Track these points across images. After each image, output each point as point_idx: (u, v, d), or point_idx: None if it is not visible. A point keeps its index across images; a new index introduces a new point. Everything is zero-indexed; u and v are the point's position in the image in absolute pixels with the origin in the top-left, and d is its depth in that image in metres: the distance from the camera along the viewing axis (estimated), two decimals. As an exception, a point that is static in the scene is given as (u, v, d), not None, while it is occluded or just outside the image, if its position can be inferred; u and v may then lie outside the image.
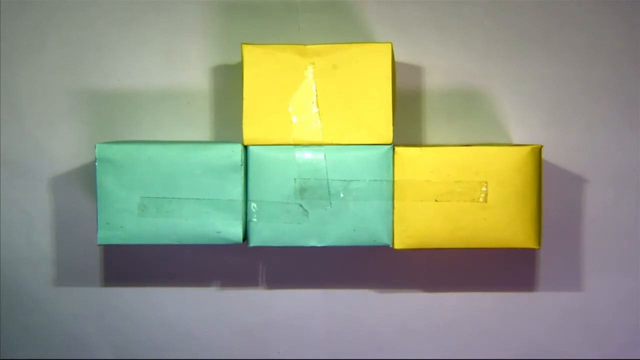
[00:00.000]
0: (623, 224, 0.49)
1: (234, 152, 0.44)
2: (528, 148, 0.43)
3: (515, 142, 0.51)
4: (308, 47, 0.45)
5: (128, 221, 0.44)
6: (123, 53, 0.51)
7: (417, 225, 0.44)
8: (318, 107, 0.45)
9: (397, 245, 0.44)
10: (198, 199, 0.44)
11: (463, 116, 0.51)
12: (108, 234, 0.44)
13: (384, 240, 0.44)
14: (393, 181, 0.44)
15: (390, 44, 0.45)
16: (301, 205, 0.44)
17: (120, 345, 0.51)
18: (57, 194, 0.50)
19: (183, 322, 0.52)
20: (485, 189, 0.43)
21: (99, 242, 0.45)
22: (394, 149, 0.44)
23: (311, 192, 0.44)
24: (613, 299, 0.47)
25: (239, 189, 0.44)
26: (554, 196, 0.50)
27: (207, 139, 0.51)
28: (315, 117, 0.45)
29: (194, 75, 0.51)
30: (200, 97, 0.51)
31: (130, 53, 0.51)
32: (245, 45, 0.45)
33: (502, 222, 0.44)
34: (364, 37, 0.51)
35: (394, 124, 0.45)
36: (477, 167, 0.44)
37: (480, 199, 0.43)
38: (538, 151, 0.44)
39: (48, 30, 0.51)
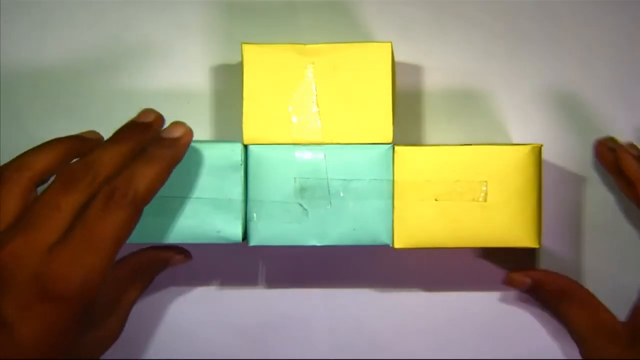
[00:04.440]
0: (623, 224, 0.49)
1: (234, 151, 0.44)
2: (528, 147, 0.43)
3: (515, 141, 0.51)
4: (307, 46, 0.45)
5: None
6: (123, 53, 0.51)
7: (417, 225, 0.44)
8: (318, 107, 0.45)
9: (397, 244, 0.44)
10: (198, 198, 0.44)
11: (463, 116, 0.51)
12: None
13: (384, 239, 0.44)
14: (393, 180, 0.44)
15: (390, 44, 0.45)
16: (301, 205, 0.44)
17: (119, 345, 0.51)
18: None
19: (183, 322, 0.52)
20: (485, 189, 0.43)
21: None
22: (394, 148, 0.44)
23: (311, 191, 0.44)
24: (613, 299, 0.47)
25: (239, 189, 0.44)
26: (554, 196, 0.50)
27: (207, 138, 0.51)
28: (315, 117, 0.45)
29: (194, 74, 0.51)
30: (200, 97, 0.51)
31: (130, 53, 0.51)
32: (245, 45, 0.45)
33: (502, 222, 0.44)
34: (364, 36, 0.51)
35: (393, 124, 0.44)
36: (477, 167, 0.44)
37: (480, 199, 0.43)
38: (538, 150, 0.44)
39: (48, 30, 0.51)
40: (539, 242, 0.44)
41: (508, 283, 0.48)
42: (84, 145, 0.41)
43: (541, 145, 0.44)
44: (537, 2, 0.51)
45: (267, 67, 0.45)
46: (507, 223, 0.44)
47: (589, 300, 0.46)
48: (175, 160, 0.40)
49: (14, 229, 0.35)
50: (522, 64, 0.51)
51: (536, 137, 0.50)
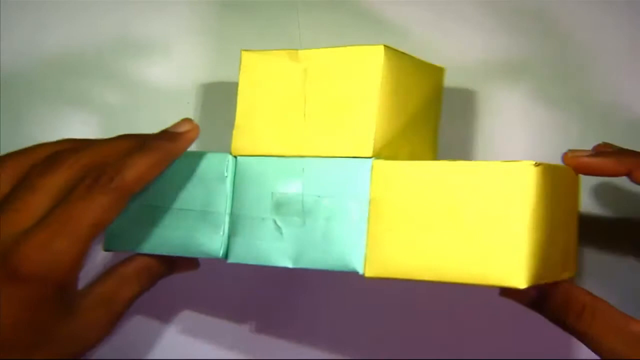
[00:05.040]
0: (623, 224, 0.45)
1: (221, 162, 0.42)
2: (523, 165, 0.35)
3: (515, 142, 0.48)
4: (300, 51, 0.42)
5: (129, 228, 0.44)
6: (122, 53, 0.51)
7: (392, 252, 0.38)
8: (307, 117, 0.41)
9: (368, 272, 0.39)
10: (185, 209, 0.43)
11: (463, 118, 0.47)
12: (113, 240, 0.45)
13: (354, 266, 0.39)
14: (369, 199, 0.39)
15: (381, 47, 0.40)
16: (275, 222, 0.41)
17: (118, 344, 0.51)
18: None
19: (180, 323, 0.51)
20: (468, 212, 0.36)
21: (105, 247, 0.45)
22: (372, 162, 0.39)
23: (286, 207, 0.41)
24: (614, 299, 0.41)
25: (223, 201, 0.42)
26: None
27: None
28: (303, 127, 0.41)
29: (193, 75, 0.50)
30: (199, 98, 0.50)
31: (129, 53, 0.51)
32: (245, 52, 0.43)
33: (485, 254, 0.36)
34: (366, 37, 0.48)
35: (402, 138, 0.40)
36: (461, 186, 0.37)
37: (461, 224, 0.36)
38: (534, 170, 0.35)
39: (48, 30, 0.51)
40: (528, 280, 0.35)
41: (506, 294, 0.40)
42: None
43: (538, 164, 0.35)
44: (538, 3, 0.48)
45: (262, 75, 0.42)
46: (491, 256, 0.36)
47: (612, 312, 0.38)
48: (173, 154, 0.39)
49: None
50: (521, 64, 0.48)
51: (536, 137, 0.47)
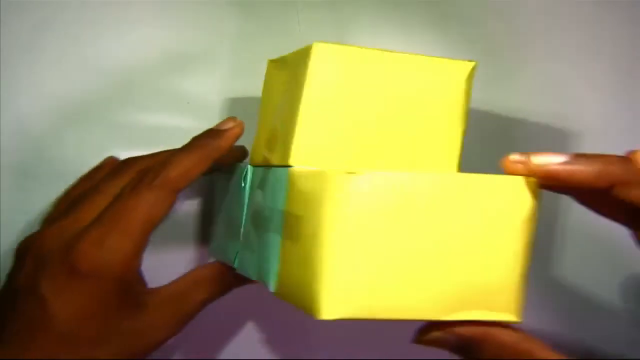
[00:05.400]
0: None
1: (241, 172, 0.43)
2: (332, 174, 0.29)
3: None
4: (286, 56, 0.40)
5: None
6: (123, 52, 0.49)
7: (288, 270, 0.34)
8: (279, 124, 0.40)
9: (275, 289, 0.36)
10: (230, 216, 0.45)
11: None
12: (210, 247, 0.49)
13: (268, 282, 0.36)
14: (283, 211, 0.36)
15: (315, 44, 0.36)
16: (249, 233, 0.40)
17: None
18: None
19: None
20: (299, 223, 0.31)
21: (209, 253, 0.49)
22: (289, 171, 0.36)
23: (254, 219, 0.40)
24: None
25: (242, 211, 0.43)
26: (552, 199, 0.41)
27: None
28: (277, 134, 0.40)
29: (194, 74, 0.49)
30: (200, 97, 0.49)
31: (130, 52, 0.49)
32: (270, 61, 0.43)
33: (309, 276, 0.30)
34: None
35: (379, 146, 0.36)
36: (307, 199, 0.32)
37: (304, 243, 0.32)
38: (345, 179, 0.29)
39: (48, 30, 0.49)
40: (335, 312, 0.29)
41: (421, 342, 0.32)
42: None
43: (352, 172, 0.29)
44: (537, 2, 0.48)
45: (271, 83, 0.43)
46: (310, 279, 0.30)
47: (546, 354, 0.30)
48: (217, 151, 0.40)
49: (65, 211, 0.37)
50: (521, 64, 0.47)
51: (536, 137, 0.47)
